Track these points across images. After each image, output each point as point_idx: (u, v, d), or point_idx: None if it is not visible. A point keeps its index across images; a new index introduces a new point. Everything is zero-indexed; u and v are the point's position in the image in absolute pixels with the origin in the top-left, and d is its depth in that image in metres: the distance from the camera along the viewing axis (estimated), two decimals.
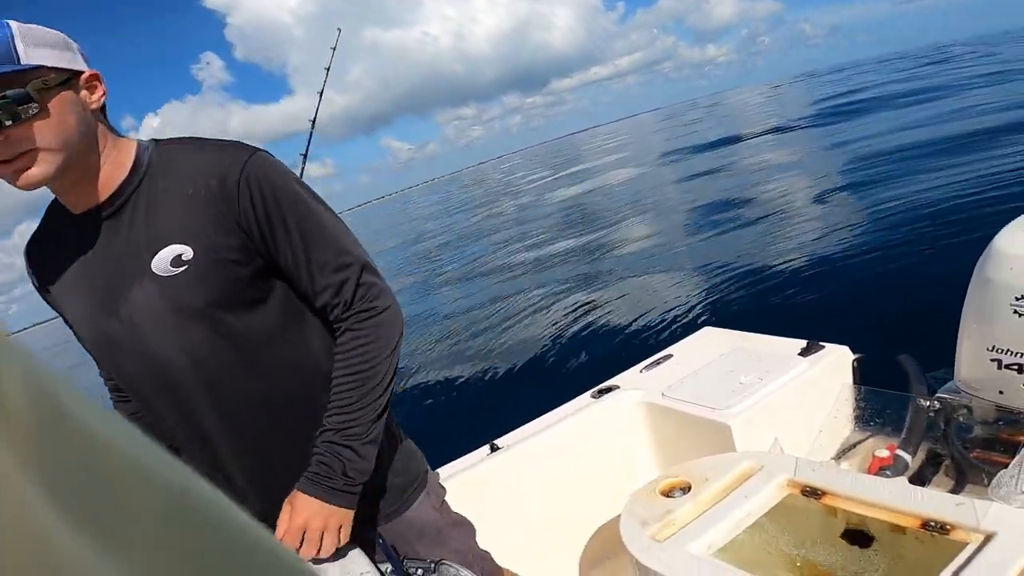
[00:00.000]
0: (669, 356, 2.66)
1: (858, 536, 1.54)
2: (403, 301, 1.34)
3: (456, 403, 6.71)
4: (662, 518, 1.71)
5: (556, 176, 37.88)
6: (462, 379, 7.40)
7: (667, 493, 1.84)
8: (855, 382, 2.27)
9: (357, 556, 1.33)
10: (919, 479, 1.91)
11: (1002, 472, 1.40)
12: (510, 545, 2.20)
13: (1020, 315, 1.86)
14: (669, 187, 18.18)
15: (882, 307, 5.59)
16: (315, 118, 2.61)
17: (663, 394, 2.35)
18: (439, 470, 2.24)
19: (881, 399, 2.13)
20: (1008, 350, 1.90)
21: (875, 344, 2.40)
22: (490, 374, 7.23)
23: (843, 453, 2.13)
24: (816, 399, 2.23)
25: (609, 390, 2.49)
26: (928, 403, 1.98)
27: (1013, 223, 1.95)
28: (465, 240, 20.42)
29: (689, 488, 1.82)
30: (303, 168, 2.49)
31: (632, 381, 2.55)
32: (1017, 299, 1.84)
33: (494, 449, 2.23)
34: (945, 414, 1.95)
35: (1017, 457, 1.39)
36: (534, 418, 2.42)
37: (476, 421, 5.97)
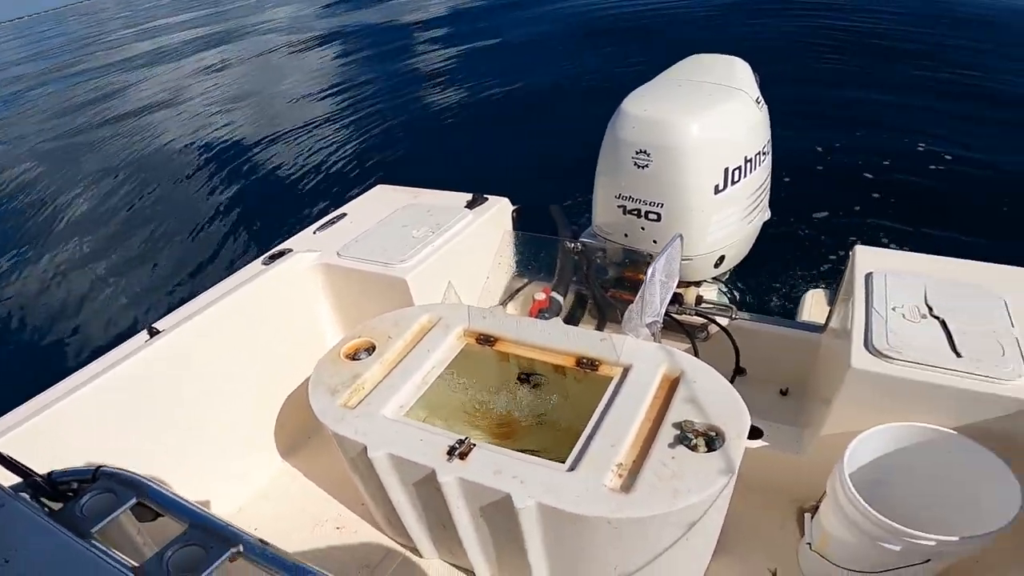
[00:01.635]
0: (343, 215, 2.59)
1: (530, 378, 1.76)
2: None
3: (95, 287, 5.72)
4: (351, 384, 1.73)
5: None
6: (102, 259, 6.30)
7: (352, 356, 1.85)
8: (515, 230, 2.50)
9: None
10: (571, 319, 2.24)
11: (630, 308, 1.70)
12: (191, 441, 2.03)
13: (639, 166, 2.19)
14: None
15: (535, 165, 6.22)
16: None
17: (338, 254, 2.30)
18: (91, 364, 1.90)
19: (535, 244, 2.39)
20: (630, 196, 2.25)
21: (531, 197, 2.64)
22: (139, 251, 6.26)
23: (509, 298, 2.38)
24: (483, 248, 2.41)
25: (281, 254, 2.35)
26: (573, 246, 2.28)
27: (637, 90, 2.26)
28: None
29: (374, 348, 1.86)
30: None
31: (306, 243, 2.43)
32: (637, 152, 2.16)
33: (153, 334, 1.97)
34: (587, 257, 2.27)
35: (639, 293, 1.69)
36: (199, 294, 2.18)
37: (127, 304, 5.20)
